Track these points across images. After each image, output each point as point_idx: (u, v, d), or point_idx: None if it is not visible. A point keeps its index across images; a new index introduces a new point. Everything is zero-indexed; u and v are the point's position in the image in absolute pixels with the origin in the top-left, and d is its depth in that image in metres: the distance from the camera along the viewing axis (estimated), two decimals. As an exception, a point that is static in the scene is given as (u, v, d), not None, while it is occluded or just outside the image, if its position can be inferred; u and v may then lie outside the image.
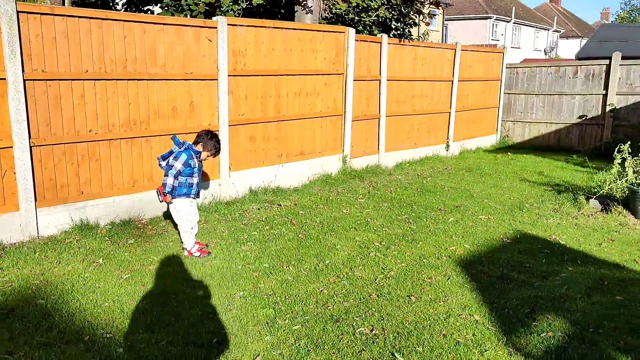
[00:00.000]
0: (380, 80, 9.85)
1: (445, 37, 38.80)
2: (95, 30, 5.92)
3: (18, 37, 5.35)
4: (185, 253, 5.33)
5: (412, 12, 10.31)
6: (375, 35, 10.44)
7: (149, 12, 11.55)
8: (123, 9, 11.63)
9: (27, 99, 5.51)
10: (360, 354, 3.47)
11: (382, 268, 5.00)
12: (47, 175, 5.77)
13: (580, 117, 12.50)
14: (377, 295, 4.37)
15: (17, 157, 5.48)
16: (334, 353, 3.49)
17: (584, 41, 58.13)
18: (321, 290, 4.48)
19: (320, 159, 8.92)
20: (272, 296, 4.35)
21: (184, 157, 5.15)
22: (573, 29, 55.98)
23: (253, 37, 7.52)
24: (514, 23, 45.00)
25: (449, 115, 11.78)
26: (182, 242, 5.44)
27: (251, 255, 5.27)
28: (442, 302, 4.25)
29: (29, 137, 5.55)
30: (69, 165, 5.92)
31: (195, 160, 5.25)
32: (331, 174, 9.07)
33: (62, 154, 5.86)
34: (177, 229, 5.74)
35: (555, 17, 53.84)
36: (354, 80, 9.22)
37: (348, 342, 3.63)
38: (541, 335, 3.68)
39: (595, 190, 7.73)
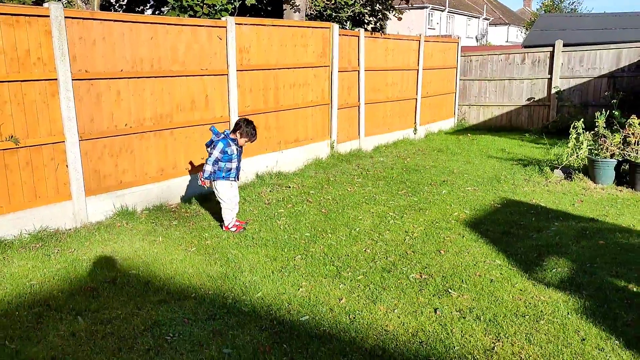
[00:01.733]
0: (359, 71, 10.76)
1: (384, 27, 40.18)
2: (127, 32, 6.48)
3: (66, 40, 5.86)
4: (223, 228, 6.04)
5: (384, 8, 11.25)
6: (349, 29, 11.33)
7: (141, 12, 11.92)
8: (121, 10, 11.96)
9: (75, 98, 6.03)
10: (421, 292, 4.39)
11: (405, 231, 5.94)
12: (93, 167, 6.32)
13: (528, 99, 13.92)
14: (412, 252, 5.31)
15: (69, 150, 6.01)
16: (400, 292, 4.39)
17: (511, 28, 61.46)
18: (365, 250, 5.36)
19: (312, 145, 9.74)
20: (326, 257, 5.19)
21: (220, 145, 5.74)
22: (500, 16, 59.05)
23: (255, 34, 8.23)
24: (448, 12, 47.09)
25: (416, 102, 12.87)
26: (222, 219, 6.15)
27: (290, 228, 6.07)
28: (466, 253, 5.24)
29: (77, 133, 6.07)
30: (109, 157, 6.48)
31: (233, 147, 5.79)
32: (322, 158, 9.92)
33: (104, 147, 6.41)
34: (214, 209, 6.45)
35: (485, 6, 56.61)
36: (339, 71, 10.08)
37: (406, 284, 4.54)
38: (552, 270, 4.74)
39: (556, 162, 9.00)
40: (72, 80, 5.98)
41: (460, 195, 7.50)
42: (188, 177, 7.43)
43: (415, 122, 12.96)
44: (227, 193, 5.95)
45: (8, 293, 4.36)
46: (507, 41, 56.86)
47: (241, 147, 5.98)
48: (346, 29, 11.57)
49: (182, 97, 7.23)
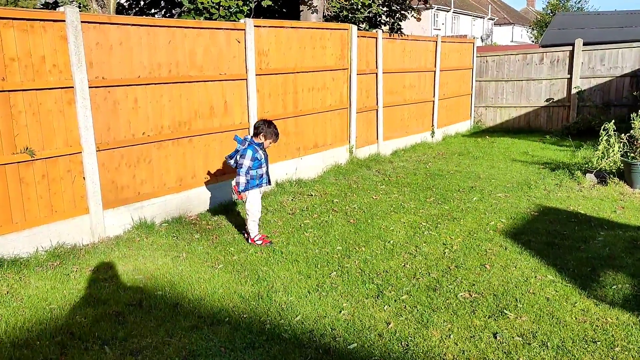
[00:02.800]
0: (377, 73, 10.44)
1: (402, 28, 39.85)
2: (145, 36, 6.17)
3: (82, 45, 5.55)
4: (249, 241, 5.72)
5: (403, 8, 10.93)
6: (366, 30, 11.02)
7: (152, 16, 11.62)
8: (133, 14, 11.68)
9: (92, 106, 5.71)
10: (474, 314, 4.05)
11: (443, 244, 5.60)
12: (110, 178, 6.00)
13: (547, 100, 13.57)
14: (455, 267, 4.97)
15: (86, 162, 5.70)
16: (451, 314, 4.06)
17: (516, 28, 61.09)
18: (404, 265, 5.03)
19: (331, 151, 9.42)
20: (363, 273, 4.86)
21: (249, 153, 5.44)
22: (505, 16, 58.70)
23: (274, 37, 7.91)
24: (453, 12, 46.75)
25: (433, 104, 12.53)
26: (246, 232, 5.83)
27: (319, 241, 5.74)
28: (513, 268, 4.90)
29: (95, 142, 5.76)
30: (126, 168, 6.16)
31: (260, 152, 5.56)
32: (341, 164, 9.59)
33: (121, 157, 6.09)
34: (236, 220, 6.13)
35: (489, 6, 56.27)
36: (357, 74, 9.76)
37: (457, 305, 4.20)
38: (612, 287, 4.40)
39: (586, 166, 8.66)
40: (89, 87, 5.67)
41: (492, 202, 7.16)
42: (208, 187, 7.11)
43: (432, 125, 12.63)
44: (257, 203, 5.68)
45: (27, 319, 4.04)
46: (512, 41, 56.53)
47: (265, 149, 5.74)
48: (362, 29, 11.25)
49: (201, 103, 6.92)
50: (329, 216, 6.65)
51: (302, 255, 5.34)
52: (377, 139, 10.75)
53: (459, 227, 6.16)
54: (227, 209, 6.97)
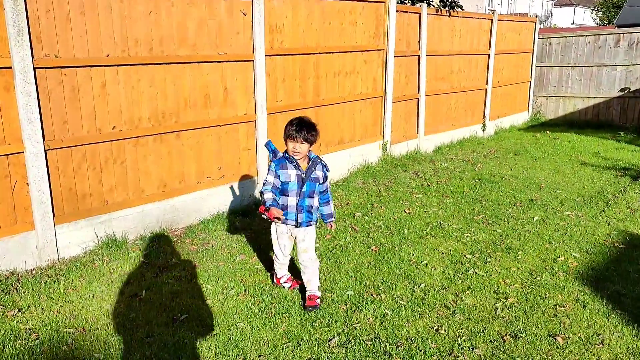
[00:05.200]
0: (419, 55, 8.83)
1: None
2: (117, 3, 4.82)
3: (25, 13, 4.24)
4: (274, 280, 4.26)
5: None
6: (408, 4, 9.38)
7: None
8: None
9: (39, 92, 4.43)
10: None
11: (494, 292, 4.07)
12: (66, 185, 4.73)
13: (622, 89, 11.59)
14: (512, 336, 3.44)
15: (30, 164, 4.43)
16: None
17: (578, 9, 57.18)
18: (436, 329, 3.54)
19: (360, 148, 7.93)
20: (377, 341, 3.40)
21: (272, 166, 3.71)
22: (566, -4, 55.00)
23: (291, 9, 6.44)
24: (510, -9, 43.83)
25: (485, 92, 10.80)
26: (239, 254, 4.45)
27: (326, 279, 4.31)
28: (600, 345, 3.34)
29: (43, 139, 4.48)
30: (90, 171, 4.88)
31: (290, 170, 3.67)
32: (371, 163, 8.10)
33: (83, 157, 4.80)
34: (228, 239, 4.77)
35: (550, -16, 52.74)
36: (395, 56, 8.18)
37: (514, 418, 2.70)
38: None
39: (679, 176, 6.86)
40: (35, 68, 4.38)
41: (559, 224, 5.54)
42: (200, 194, 5.77)
43: (484, 117, 10.90)
44: (275, 238, 3.99)
45: None
46: (572, 23, 52.93)
47: (313, 174, 3.75)
48: (405, 3, 9.62)
49: (193, 89, 5.55)
50: (345, 238, 5.19)
51: (298, 303, 3.92)
52: (417, 133, 9.16)
53: (516, 263, 4.59)
54: (222, 221, 5.62)
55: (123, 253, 4.82)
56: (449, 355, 3.25)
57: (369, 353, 3.27)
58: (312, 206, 3.78)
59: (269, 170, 3.72)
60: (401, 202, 6.39)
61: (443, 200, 6.43)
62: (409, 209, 6.09)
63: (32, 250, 4.57)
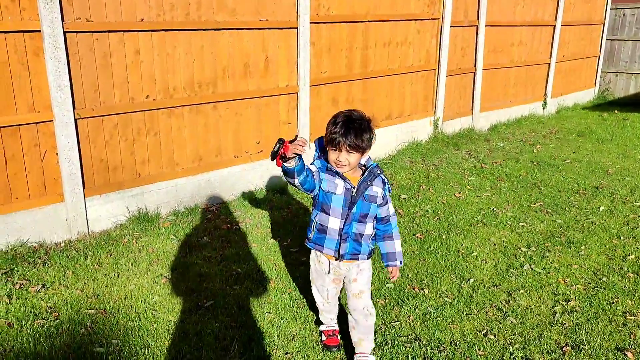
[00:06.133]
0: (477, 25, 8.19)
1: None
2: (151, -36, 4.51)
3: (53, -27, 3.99)
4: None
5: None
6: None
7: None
8: None
9: (69, 58, 4.21)
10: None
11: (553, 293, 3.62)
12: (97, 156, 4.53)
13: (703, 67, 10.53)
14: (572, 348, 3.01)
15: (59, 133, 4.24)
16: None
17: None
18: (484, 334, 3.15)
19: (409, 124, 7.46)
20: (416, 345, 3.04)
21: (316, 160, 2.68)
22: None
23: (339, -27, 5.98)
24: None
25: (548, 67, 10.02)
26: (274, 237, 4.16)
27: (364, 267, 3.95)
28: (679, 365, 2.87)
29: (73, 108, 4.28)
30: (122, 142, 4.66)
31: (337, 179, 2.58)
32: (421, 141, 7.63)
33: (114, 127, 4.59)
34: (264, 219, 4.49)
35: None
36: (451, 26, 7.59)
37: None
38: None
39: None
40: (65, 32, 4.15)
41: (628, 216, 4.98)
42: (237, 169, 5.50)
43: (545, 94, 10.15)
44: (312, 277, 2.93)
45: None
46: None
47: (369, 190, 2.63)
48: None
49: (231, 58, 5.23)
50: (388, 222, 4.80)
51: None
52: (472, 109, 8.58)
53: (578, 260, 4.11)
54: (258, 198, 5.35)
55: (154, 229, 4.62)
56: (499, 366, 2.86)
57: (407, 357, 2.92)
58: (362, 234, 2.66)
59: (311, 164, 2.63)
60: (451, 184, 5.94)
61: (497, 184, 5.93)
62: (459, 193, 5.64)
63: (62, 223, 4.42)
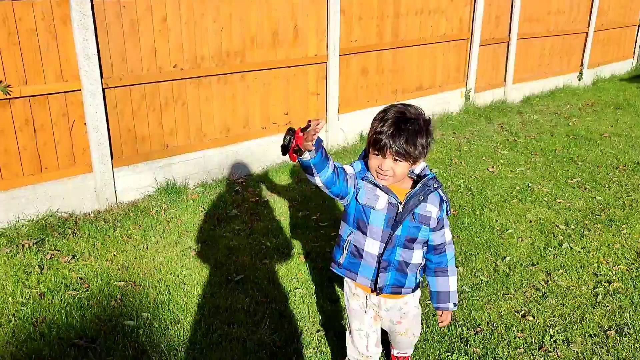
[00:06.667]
0: (514, -7, 7.85)
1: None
2: None
3: (79, -63, 3.88)
4: None
5: None
6: None
7: None
8: None
9: (97, 26, 4.12)
10: None
11: (594, 273, 3.49)
12: (125, 126, 4.48)
13: None
14: (616, 331, 2.89)
15: (87, 103, 4.18)
16: None
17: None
18: (522, 315, 3.04)
19: (440, 95, 7.26)
20: (451, 324, 2.95)
21: (356, 163, 2.10)
22: None
23: (372, -64, 5.74)
24: None
25: (586, 36, 9.63)
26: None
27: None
28: None
29: (101, 77, 4.21)
30: (150, 112, 4.60)
31: (378, 191, 2.01)
32: (452, 113, 7.42)
33: (142, 97, 4.52)
34: (293, 192, 4.42)
35: None
36: (486, -7, 7.30)
37: None
38: None
39: None
40: (92, -1, 4.05)
41: (673, 195, 4.77)
42: (265, 140, 5.41)
43: (581, 65, 9.78)
44: (348, 318, 2.30)
45: None
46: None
47: (420, 209, 2.04)
48: None
49: (260, 26, 5.09)
50: (420, 196, 4.69)
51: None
52: (505, 81, 8.31)
53: (619, 239, 3.95)
54: (287, 171, 5.27)
55: (182, 200, 4.58)
56: (539, 349, 2.76)
57: (443, 338, 2.84)
58: (408, 263, 2.09)
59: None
60: (484, 158, 5.76)
61: (532, 159, 5.74)
62: (492, 167, 5.47)
63: (91, 193, 4.40)
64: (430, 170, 2.08)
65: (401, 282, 2.11)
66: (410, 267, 2.10)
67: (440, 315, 2.23)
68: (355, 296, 2.21)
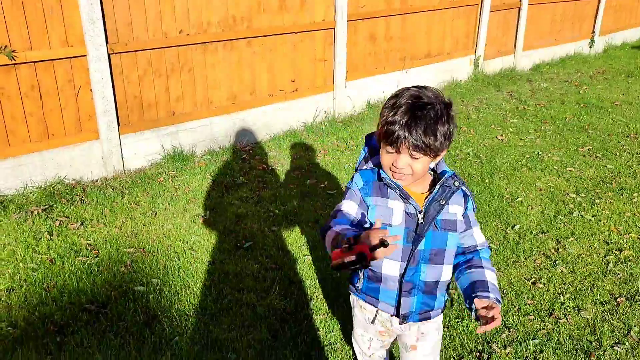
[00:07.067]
0: (526, -44, 7.65)
1: None
2: None
3: None
4: None
5: None
6: None
7: None
8: None
9: (100, -11, 4.04)
10: None
11: (605, 241, 3.47)
12: (131, 92, 4.43)
13: None
14: (627, 299, 2.89)
15: (93, 69, 4.13)
16: None
17: None
18: (533, 282, 3.04)
19: (448, 63, 7.14)
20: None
21: (354, 182, 1.76)
22: None
23: None
24: None
25: (598, 2, 9.41)
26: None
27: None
28: None
29: (106, 43, 4.14)
30: (156, 78, 4.54)
31: (392, 200, 1.68)
32: (460, 81, 7.32)
33: (148, 63, 4.45)
34: (301, 160, 4.39)
35: None
36: (498, -43, 7.12)
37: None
38: None
39: None
40: (95, -39, 3.95)
41: (685, 163, 4.71)
42: (271, 107, 5.35)
43: (593, 31, 9.59)
44: (353, 318, 1.96)
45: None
46: None
47: (443, 214, 1.69)
48: None
49: (267, -10, 4.98)
50: (428, 164, 4.65)
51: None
52: (515, 47, 8.16)
53: (630, 207, 3.92)
54: (294, 138, 5.22)
55: (189, 168, 4.56)
56: (549, 316, 2.76)
57: (452, 304, 2.84)
58: (437, 282, 1.74)
59: (346, 190, 1.77)
60: (492, 126, 5.70)
61: (542, 127, 5.67)
62: (501, 135, 5.41)
63: (98, 160, 4.38)
64: None
65: (429, 304, 1.75)
66: (440, 286, 1.74)
67: (482, 322, 1.55)
68: (363, 310, 1.85)
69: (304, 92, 5.54)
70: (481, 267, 1.72)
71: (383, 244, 1.31)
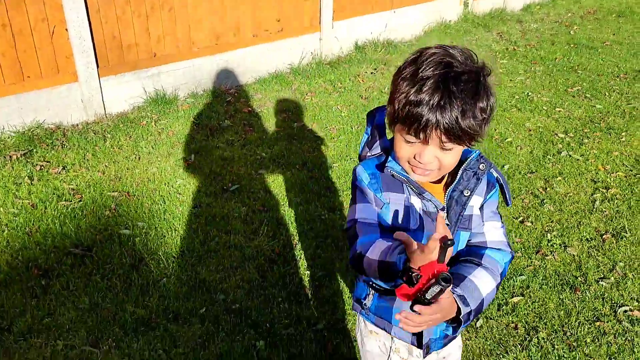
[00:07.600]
0: None
1: None
2: None
3: None
4: None
5: None
6: None
7: None
8: None
9: None
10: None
11: (592, 180, 3.47)
12: (109, 33, 4.25)
13: None
14: (613, 235, 2.91)
15: (67, 7, 3.93)
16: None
17: None
18: (520, 221, 3.05)
19: (437, 3, 6.95)
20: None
21: (361, 179, 1.30)
22: None
23: None
24: None
25: (591, -60, 9.12)
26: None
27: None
28: None
29: (80, -22, 3.93)
30: (135, 18, 4.35)
31: (398, 189, 1.26)
32: (449, 22, 7.15)
33: (126, 1, 4.25)
34: (287, 102, 4.29)
35: None
36: None
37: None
38: None
39: None
40: None
41: (673, 103, 4.69)
42: (256, 49, 5.19)
43: (585, -29, 9.33)
44: (363, 356, 1.55)
45: None
46: None
47: (462, 203, 1.26)
48: None
49: None
50: (417, 106, 4.58)
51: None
52: (505, -13, 7.95)
53: (618, 146, 3.91)
54: (279, 80, 5.10)
55: (172, 111, 4.45)
56: (536, 252, 2.78)
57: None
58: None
59: (353, 190, 1.34)
60: (482, 67, 5.59)
61: (531, 68, 5.59)
62: (491, 76, 5.32)
63: (78, 104, 4.25)
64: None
65: (423, 340, 1.37)
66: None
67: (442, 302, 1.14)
68: (372, 334, 1.47)
69: (289, 33, 5.37)
70: (479, 265, 1.28)
71: (446, 244, 1.00)
